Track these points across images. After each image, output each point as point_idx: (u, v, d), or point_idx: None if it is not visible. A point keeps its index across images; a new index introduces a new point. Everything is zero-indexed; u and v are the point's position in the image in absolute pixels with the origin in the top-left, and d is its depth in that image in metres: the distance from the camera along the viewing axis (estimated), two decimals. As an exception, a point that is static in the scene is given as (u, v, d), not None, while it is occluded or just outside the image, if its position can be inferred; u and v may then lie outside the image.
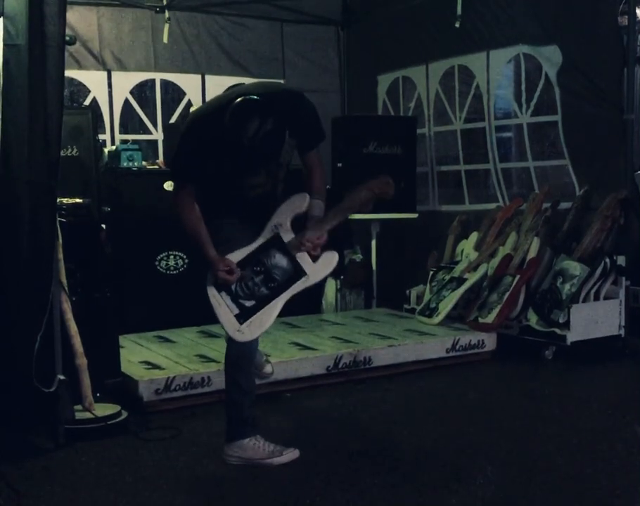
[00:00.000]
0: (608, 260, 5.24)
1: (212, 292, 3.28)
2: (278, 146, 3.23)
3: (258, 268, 3.30)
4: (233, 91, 3.35)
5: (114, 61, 6.60)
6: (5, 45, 3.50)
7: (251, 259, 3.31)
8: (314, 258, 3.32)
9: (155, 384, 4.19)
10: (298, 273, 3.31)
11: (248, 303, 3.28)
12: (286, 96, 3.39)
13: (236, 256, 3.30)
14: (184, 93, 6.95)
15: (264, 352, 4.40)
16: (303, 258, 3.31)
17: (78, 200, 4.26)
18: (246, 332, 3.27)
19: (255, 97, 3.18)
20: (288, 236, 3.32)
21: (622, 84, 5.33)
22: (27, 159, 3.50)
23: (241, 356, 3.43)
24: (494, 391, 4.64)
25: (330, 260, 3.36)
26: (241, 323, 3.26)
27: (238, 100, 3.16)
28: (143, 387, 4.16)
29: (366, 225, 6.56)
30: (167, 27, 6.64)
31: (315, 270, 3.33)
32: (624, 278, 5.32)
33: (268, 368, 4.25)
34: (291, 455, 3.43)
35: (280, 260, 3.31)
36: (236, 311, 3.27)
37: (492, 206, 6.32)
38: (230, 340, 3.47)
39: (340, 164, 6.39)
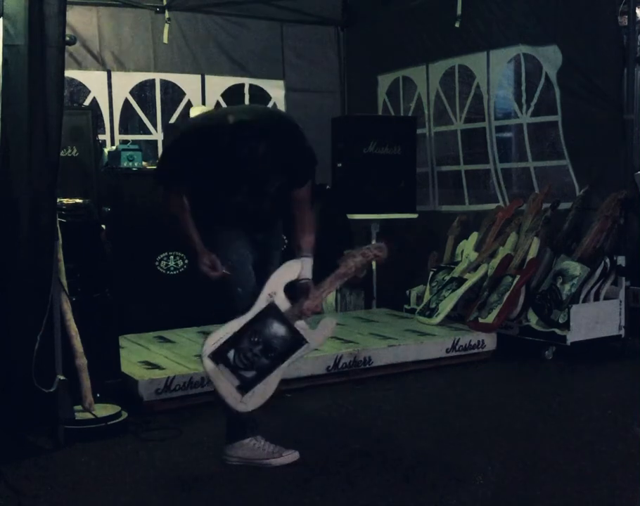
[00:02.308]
0: (607, 260, 5.24)
1: (209, 364, 3.22)
2: (269, 170, 3.24)
3: (255, 339, 3.25)
4: (231, 110, 3.37)
5: (114, 61, 6.60)
6: (4, 45, 3.49)
7: (247, 329, 3.26)
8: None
9: (155, 384, 4.19)
10: (298, 341, 3.29)
11: (249, 374, 3.23)
12: (285, 126, 3.37)
13: (232, 327, 3.25)
14: (184, 94, 6.95)
15: None
16: (301, 326, 3.29)
17: (78, 200, 4.25)
18: (249, 403, 3.24)
19: (254, 121, 3.21)
20: (284, 305, 3.28)
21: (622, 84, 5.32)
22: (27, 159, 3.49)
23: None
24: (494, 391, 4.64)
25: (328, 325, 3.39)
26: (243, 395, 3.22)
27: (237, 121, 3.18)
28: (143, 387, 4.16)
29: (366, 225, 6.56)
30: (167, 27, 6.64)
31: (315, 336, 3.33)
32: (624, 278, 5.32)
33: None
34: (291, 456, 3.43)
35: (279, 329, 3.27)
36: (237, 383, 3.22)
37: (492, 206, 6.31)
38: None
39: (340, 164, 6.40)
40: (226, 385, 3.22)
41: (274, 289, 3.28)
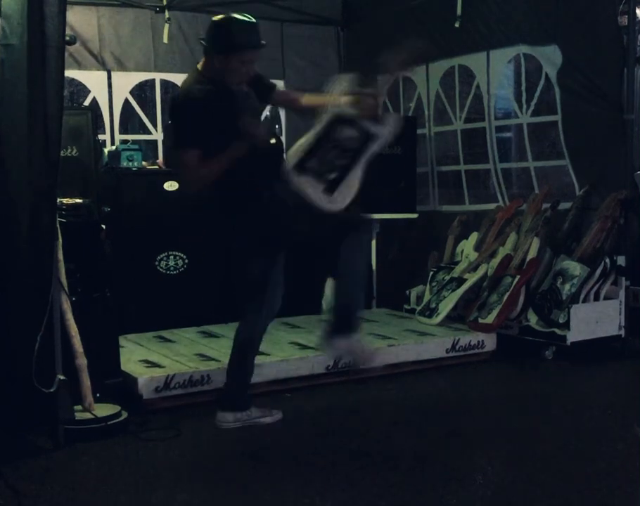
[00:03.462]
0: (607, 260, 5.24)
1: (295, 178, 3.47)
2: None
3: (331, 145, 3.55)
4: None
5: (114, 61, 6.59)
6: (1, 45, 3.50)
7: (320, 140, 3.56)
8: (378, 121, 3.64)
9: (154, 382, 4.19)
10: (370, 135, 3.59)
11: (332, 176, 3.51)
12: None
13: (307, 140, 3.55)
14: (184, 93, 6.93)
15: None
16: (369, 123, 3.58)
17: (78, 200, 4.26)
18: (339, 200, 3.50)
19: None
20: (345, 110, 3.57)
21: (622, 84, 5.31)
22: (26, 158, 3.50)
23: (248, 340, 3.88)
24: (494, 391, 4.64)
25: (395, 118, 3.76)
26: (331, 195, 3.48)
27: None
28: (142, 385, 4.16)
29: (366, 225, 6.55)
30: (167, 27, 6.63)
31: (383, 129, 3.64)
32: (624, 278, 5.32)
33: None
34: (277, 416, 3.97)
35: (349, 131, 3.56)
36: (323, 186, 3.49)
37: (492, 206, 6.31)
38: (241, 326, 3.90)
39: (340, 164, 6.39)
40: (314, 191, 3.48)
41: (333, 100, 3.59)
